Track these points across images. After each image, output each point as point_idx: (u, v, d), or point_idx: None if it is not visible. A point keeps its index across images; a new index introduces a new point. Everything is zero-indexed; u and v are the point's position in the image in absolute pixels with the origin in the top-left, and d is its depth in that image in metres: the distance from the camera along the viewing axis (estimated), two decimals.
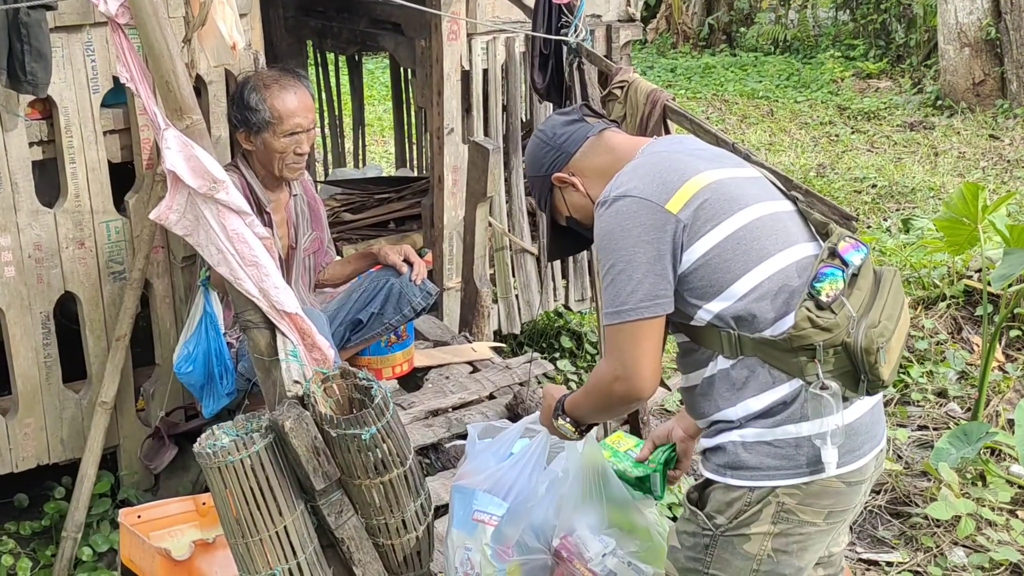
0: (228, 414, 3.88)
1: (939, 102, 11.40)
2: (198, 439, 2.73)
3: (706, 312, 2.30)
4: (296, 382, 2.68)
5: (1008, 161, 9.44)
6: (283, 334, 2.74)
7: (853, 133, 10.74)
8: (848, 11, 15.02)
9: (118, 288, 3.90)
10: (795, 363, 2.25)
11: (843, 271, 2.28)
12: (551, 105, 4.97)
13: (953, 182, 8.81)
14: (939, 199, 8.33)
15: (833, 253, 2.31)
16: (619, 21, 5.20)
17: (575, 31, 3.78)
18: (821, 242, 2.40)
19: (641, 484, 2.79)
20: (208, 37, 2.68)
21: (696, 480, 2.47)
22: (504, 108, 5.01)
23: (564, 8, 3.77)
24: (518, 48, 4.87)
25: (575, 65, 3.80)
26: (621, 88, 3.62)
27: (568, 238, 2.70)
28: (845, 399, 2.27)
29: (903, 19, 13.58)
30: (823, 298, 2.23)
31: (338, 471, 2.72)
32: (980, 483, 4.40)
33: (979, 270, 5.92)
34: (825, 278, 2.26)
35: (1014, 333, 5.60)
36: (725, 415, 2.33)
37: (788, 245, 2.34)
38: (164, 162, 2.60)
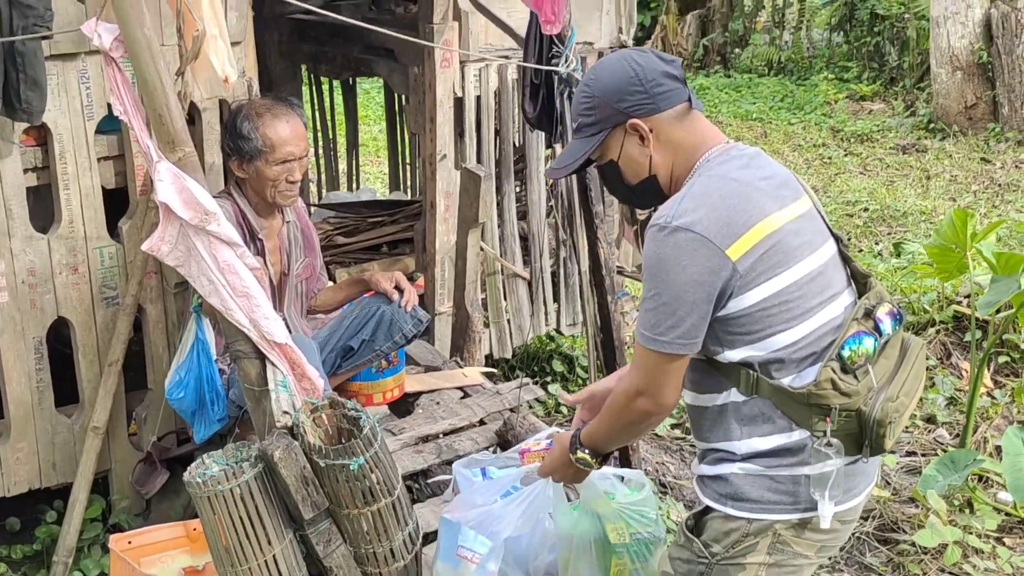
0: (219, 439, 3.91)
1: (932, 125, 11.47)
2: (188, 468, 2.76)
3: (736, 354, 2.30)
4: (285, 412, 2.71)
5: (999, 185, 9.50)
6: (273, 364, 2.77)
7: (846, 155, 10.80)
8: (842, 33, 15.10)
9: (111, 313, 3.92)
10: (806, 416, 2.27)
11: (876, 338, 2.30)
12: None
13: (944, 206, 8.87)
14: (930, 223, 8.38)
15: (868, 314, 2.32)
16: (611, 48, 5.25)
17: (566, 61, 3.81)
18: (854, 290, 2.41)
19: None
20: (201, 70, 2.71)
21: (692, 507, 2.49)
22: (496, 134, 5.04)
23: (555, 38, 3.80)
24: (511, 75, 4.91)
25: (566, 95, 3.83)
26: None
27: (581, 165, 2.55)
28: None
29: (896, 41, 13.66)
30: (850, 362, 2.25)
31: (327, 500, 2.74)
32: (967, 510, 4.43)
33: (968, 296, 5.95)
34: (856, 343, 2.27)
35: (1003, 359, 5.63)
36: (730, 447, 2.36)
37: (829, 301, 2.34)
38: (157, 194, 2.64)
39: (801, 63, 15.22)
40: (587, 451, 2.52)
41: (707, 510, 2.42)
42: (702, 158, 2.35)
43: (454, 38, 4.59)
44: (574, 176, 3.97)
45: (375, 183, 9.24)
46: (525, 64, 3.85)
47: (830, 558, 2.64)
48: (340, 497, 2.72)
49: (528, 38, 3.85)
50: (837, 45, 15.25)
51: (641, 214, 3.52)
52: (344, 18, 3.25)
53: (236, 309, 2.71)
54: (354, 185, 7.07)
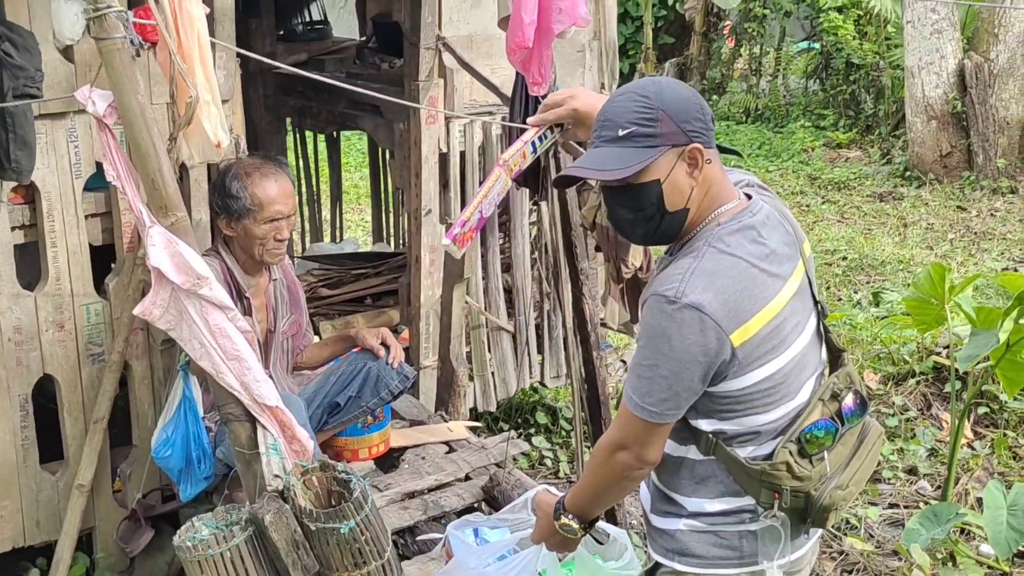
0: (205, 497, 3.90)
1: (907, 173, 11.60)
2: (178, 530, 2.76)
3: (708, 424, 2.32)
4: (276, 476, 2.72)
5: (975, 233, 9.61)
6: (264, 427, 2.78)
7: (824, 203, 10.91)
8: (818, 81, 15.29)
9: (97, 370, 3.91)
10: (756, 488, 2.31)
11: (837, 427, 2.34)
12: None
13: (922, 254, 8.96)
14: (908, 271, 8.46)
15: (835, 396, 2.34)
16: None
17: None
18: (823, 361, 2.44)
19: None
20: (194, 135, 2.74)
21: (646, 561, 2.52)
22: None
23: (539, 98, 3.84)
24: (495, 130, 4.96)
25: (551, 153, 3.86)
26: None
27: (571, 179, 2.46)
28: None
29: (871, 90, 13.83)
30: (808, 448, 2.29)
31: (317, 564, 2.74)
32: (950, 563, 4.45)
33: (947, 346, 6.00)
34: (818, 429, 2.30)
35: (982, 410, 5.68)
36: (682, 500, 2.39)
37: (804, 383, 2.36)
38: (149, 259, 2.65)
39: (778, 111, 15.38)
40: (571, 516, 2.48)
41: (657, 565, 2.46)
42: (714, 214, 2.31)
43: (439, 95, 4.64)
44: (559, 232, 4.00)
45: (357, 231, 9.26)
46: (511, 124, 3.89)
47: None
48: (330, 560, 2.72)
49: (514, 97, 3.89)
50: (813, 93, 15.43)
51: (627, 272, 3.55)
52: (342, 83, 3.29)
53: (227, 372, 2.72)
54: (338, 236, 7.10)
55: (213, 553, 2.65)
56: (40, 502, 3.92)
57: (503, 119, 4.30)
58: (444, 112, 4.48)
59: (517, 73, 3.82)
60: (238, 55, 3.78)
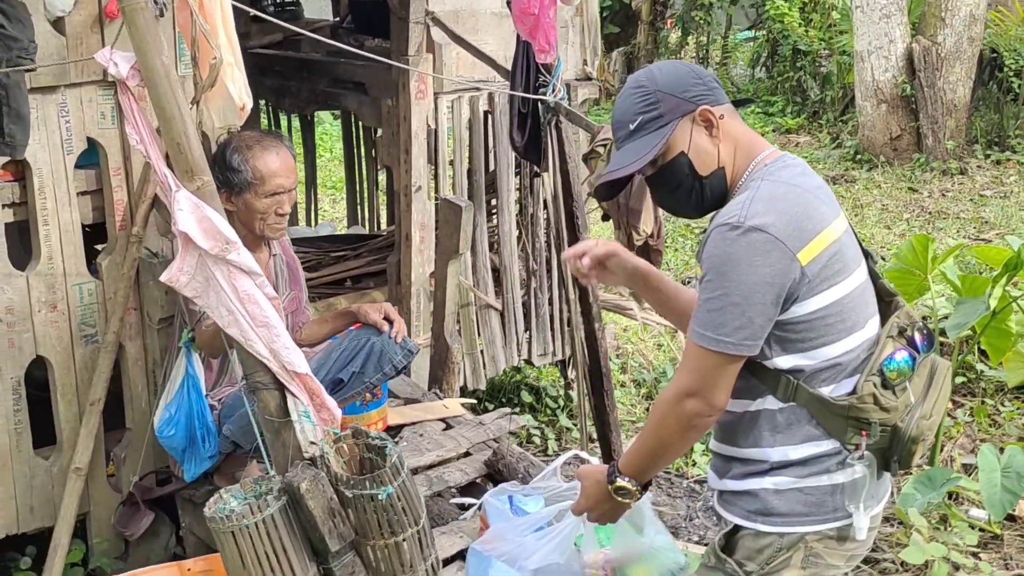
0: (205, 478, 3.83)
1: (858, 156, 11.75)
2: (207, 504, 2.70)
3: (785, 361, 2.30)
4: (312, 443, 2.66)
5: (930, 213, 9.76)
6: (293, 395, 2.73)
7: None
8: (765, 68, 15.45)
9: (90, 352, 3.82)
10: (842, 428, 2.30)
11: (914, 359, 2.34)
12: (511, 163, 5.06)
13: (881, 233, 9.09)
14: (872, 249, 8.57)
15: (902, 332, 2.36)
16: (576, 80, 5.31)
17: (553, 91, 3.85)
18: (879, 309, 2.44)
19: None
20: (215, 98, 2.68)
21: (722, 526, 2.48)
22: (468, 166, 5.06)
23: (541, 68, 3.83)
24: (482, 106, 4.94)
25: (553, 124, 3.86)
26: (604, 146, 3.68)
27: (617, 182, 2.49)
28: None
29: (818, 76, 14.00)
30: (890, 378, 2.29)
31: (352, 532, 2.70)
32: (943, 527, 4.51)
33: (925, 318, 6.09)
34: (897, 362, 2.31)
35: (960, 380, 5.78)
36: (763, 455, 2.36)
37: (869, 318, 2.37)
38: (176, 224, 2.59)
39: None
40: (627, 479, 2.42)
41: (736, 528, 2.42)
42: (757, 160, 2.35)
43: (429, 70, 4.61)
44: (561, 204, 4.00)
45: (326, 218, 9.17)
46: (514, 93, 3.87)
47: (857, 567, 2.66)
48: (367, 528, 2.68)
49: (515, 68, 3.88)
50: (760, 80, 15.58)
51: (638, 239, 3.54)
52: (357, 48, 3.23)
53: (256, 340, 2.67)
54: (313, 221, 7.01)
55: (248, 524, 2.59)
56: (34, 488, 3.82)
57: (506, 92, 4.27)
58: (446, 77, 4.42)
59: (519, 42, 3.81)
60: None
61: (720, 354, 2.23)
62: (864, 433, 2.29)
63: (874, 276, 2.47)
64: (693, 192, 2.39)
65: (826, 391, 2.30)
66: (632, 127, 2.38)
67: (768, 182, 2.29)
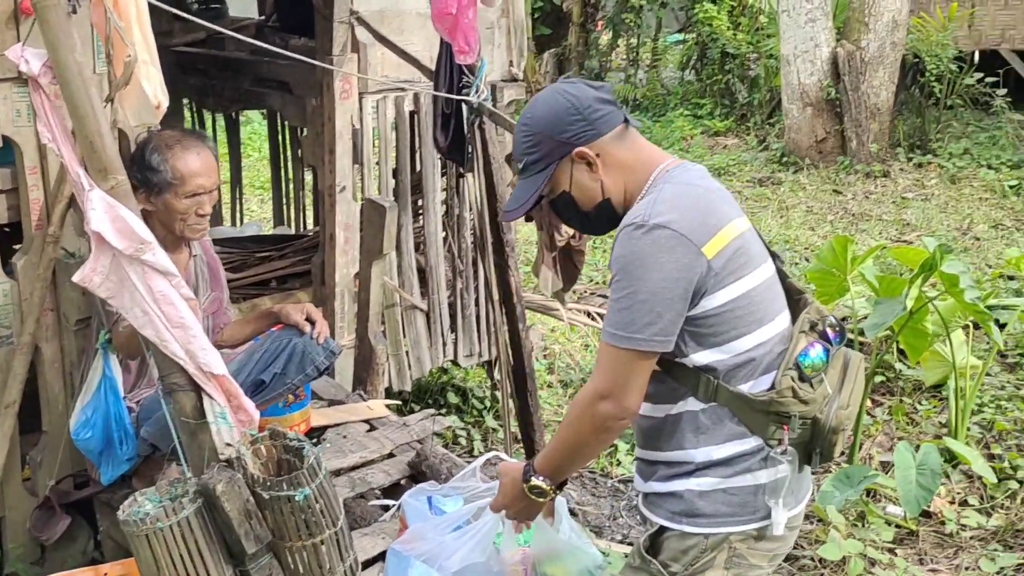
0: (123, 481, 3.78)
1: (784, 158, 11.92)
2: (120, 507, 2.66)
3: (701, 357, 2.33)
4: (228, 444, 2.64)
5: (853, 215, 9.93)
6: (209, 396, 2.70)
7: None
8: (694, 71, 15.60)
9: (5, 353, 3.75)
10: (763, 424, 2.34)
11: (827, 352, 2.40)
12: (437, 164, 5.06)
13: (806, 234, 9.23)
14: (794, 251, 8.71)
15: (813, 327, 2.41)
16: (503, 81, 5.32)
17: (476, 91, 3.85)
18: (789, 306, 2.49)
19: None
20: (130, 97, 2.64)
21: (647, 527, 2.50)
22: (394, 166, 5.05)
23: (465, 68, 3.84)
24: (407, 107, 4.93)
25: (476, 125, 3.87)
26: None
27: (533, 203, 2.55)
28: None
29: (745, 79, 14.17)
30: (807, 372, 2.33)
31: (269, 534, 2.68)
32: (861, 524, 4.60)
33: (844, 319, 6.19)
34: (812, 356, 2.36)
35: (879, 379, 5.88)
36: (687, 456, 2.38)
37: (778, 312, 2.43)
38: (89, 223, 2.56)
39: (656, 100, 15.64)
40: (542, 478, 2.45)
41: (662, 530, 2.44)
42: (657, 171, 2.40)
43: (353, 70, 4.59)
44: (485, 203, 4.00)
45: (250, 218, 9.10)
46: (437, 94, 3.87)
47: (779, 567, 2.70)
48: (284, 530, 2.66)
49: (439, 69, 3.88)
50: (689, 83, 15.74)
51: (560, 240, 3.57)
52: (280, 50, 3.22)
53: (172, 340, 2.64)
54: (238, 221, 6.95)
55: (163, 526, 2.56)
56: None
57: (430, 92, 4.27)
58: (371, 78, 4.41)
59: (442, 42, 3.81)
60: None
61: (632, 352, 2.26)
62: (785, 427, 2.33)
63: (782, 275, 2.52)
64: (586, 220, 2.51)
65: (745, 388, 2.34)
66: (520, 167, 2.49)
67: (670, 184, 2.35)
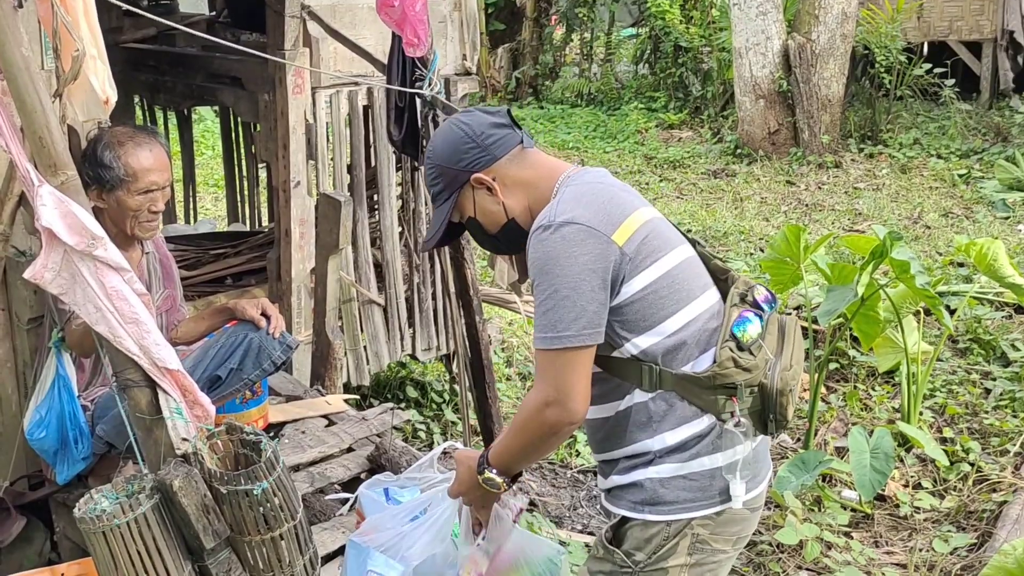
0: (79, 480, 3.75)
1: (738, 150, 12.02)
2: (77, 504, 2.65)
3: (634, 346, 2.36)
4: (184, 439, 2.63)
5: (806, 205, 10.03)
6: (165, 391, 2.69)
7: (661, 181, 11.20)
8: (647, 65, 15.68)
9: None
10: (712, 400, 2.36)
11: (761, 317, 2.43)
12: (392, 159, 5.05)
13: (760, 225, 9.31)
14: (749, 241, 8.79)
15: (743, 299, 2.45)
16: (456, 75, 5.32)
17: (429, 84, 3.86)
18: (717, 287, 2.53)
19: None
20: (78, 92, 2.62)
21: (610, 518, 2.52)
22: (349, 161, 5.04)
23: (418, 61, 3.84)
24: (361, 101, 4.92)
25: (430, 117, 3.87)
26: None
27: (449, 231, 2.64)
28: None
29: (699, 72, 14.26)
30: (744, 341, 2.36)
31: (228, 529, 2.67)
32: (817, 508, 4.66)
33: (798, 307, 6.27)
34: (747, 322, 2.39)
35: (833, 366, 5.95)
36: (643, 447, 2.40)
37: (706, 288, 2.47)
38: (39, 219, 2.53)
39: (611, 94, 15.71)
40: (495, 472, 2.48)
41: (624, 520, 2.46)
42: (560, 181, 2.47)
43: (306, 64, 4.57)
44: None
45: (204, 216, 9.03)
46: (389, 87, 3.87)
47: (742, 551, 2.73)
48: (242, 524, 2.66)
49: (391, 62, 3.87)
50: (643, 76, 15.82)
51: None
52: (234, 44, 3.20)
53: (125, 336, 2.62)
54: (192, 218, 6.90)
55: (119, 523, 2.54)
56: None
57: (383, 85, 4.26)
58: (325, 72, 4.39)
59: (394, 36, 3.81)
60: None
61: (565, 350, 2.29)
62: (734, 399, 2.36)
63: (705, 259, 2.57)
64: (495, 241, 2.60)
65: (688, 369, 2.37)
66: (430, 197, 2.64)
67: (571, 187, 2.42)
